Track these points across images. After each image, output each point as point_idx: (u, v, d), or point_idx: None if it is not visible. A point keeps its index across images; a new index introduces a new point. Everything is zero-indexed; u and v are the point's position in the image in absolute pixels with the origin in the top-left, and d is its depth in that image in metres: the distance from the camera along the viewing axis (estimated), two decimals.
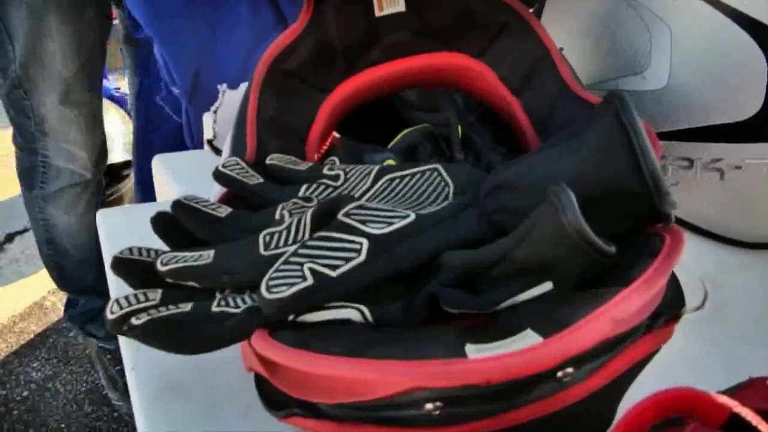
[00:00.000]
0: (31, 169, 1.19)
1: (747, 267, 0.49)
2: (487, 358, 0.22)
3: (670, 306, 0.32)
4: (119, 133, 1.81)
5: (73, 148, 1.18)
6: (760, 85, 0.43)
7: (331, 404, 0.31)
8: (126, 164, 1.80)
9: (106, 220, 0.52)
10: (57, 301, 1.56)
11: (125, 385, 1.32)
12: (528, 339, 0.23)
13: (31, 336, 1.49)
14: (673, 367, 0.35)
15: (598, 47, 0.51)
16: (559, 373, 0.27)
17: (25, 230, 1.77)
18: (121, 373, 1.32)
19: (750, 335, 0.44)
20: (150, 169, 1.16)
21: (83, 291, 1.30)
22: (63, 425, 1.29)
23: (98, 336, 1.34)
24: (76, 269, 1.27)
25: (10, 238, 1.79)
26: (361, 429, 0.31)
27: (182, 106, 1.08)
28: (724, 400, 0.22)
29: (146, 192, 1.25)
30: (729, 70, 0.44)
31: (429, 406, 0.28)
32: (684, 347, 0.40)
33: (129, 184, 1.80)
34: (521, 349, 0.22)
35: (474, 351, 0.23)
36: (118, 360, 1.32)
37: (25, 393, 1.36)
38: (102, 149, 1.25)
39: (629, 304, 0.24)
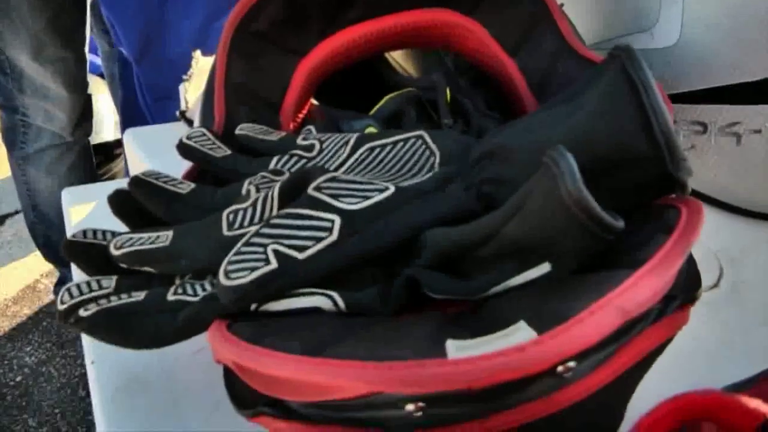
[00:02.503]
0: (12, 128, 1.16)
1: (766, 241, 0.45)
2: (468, 359, 0.18)
3: (685, 287, 0.28)
4: (111, 111, 1.76)
5: (51, 107, 1.15)
6: None
7: (302, 403, 0.28)
8: (118, 143, 1.76)
9: (71, 198, 0.48)
10: (50, 284, 1.53)
11: None
12: (520, 334, 0.19)
13: (24, 320, 1.47)
14: (685, 355, 0.32)
15: (601, 2, 0.47)
16: (559, 368, 0.24)
17: (16, 212, 1.74)
18: None
19: None
20: None
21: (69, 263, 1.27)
22: (57, 410, 1.27)
23: None
24: (61, 239, 1.24)
25: (0, 221, 1.76)
26: (334, 431, 0.27)
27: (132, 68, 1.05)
28: (757, 404, 0.18)
29: None
30: (746, 24, 0.39)
31: (410, 407, 0.24)
32: (697, 331, 0.36)
33: (121, 164, 1.76)
34: (510, 347, 0.18)
35: (455, 349, 0.19)
36: None
37: (19, 378, 1.33)
38: (84, 113, 1.21)
39: (640, 290, 0.20)
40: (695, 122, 0.43)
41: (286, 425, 0.29)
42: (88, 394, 1.30)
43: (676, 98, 0.44)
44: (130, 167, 0.62)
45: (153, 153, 0.55)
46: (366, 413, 0.26)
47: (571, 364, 0.24)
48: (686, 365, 0.34)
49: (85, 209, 0.47)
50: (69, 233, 0.49)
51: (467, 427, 0.25)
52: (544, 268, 0.24)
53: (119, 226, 0.35)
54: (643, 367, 0.27)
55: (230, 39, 0.38)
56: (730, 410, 0.18)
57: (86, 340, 0.39)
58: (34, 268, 1.58)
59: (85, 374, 1.34)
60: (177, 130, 0.56)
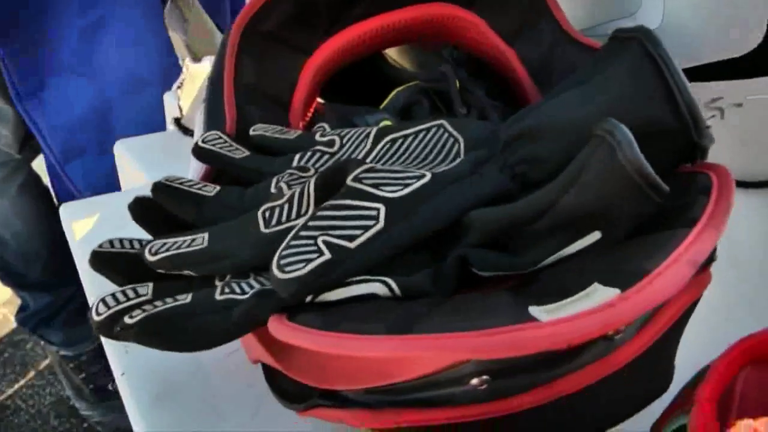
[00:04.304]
0: None
1: (754, 207, 0.48)
2: (566, 318, 0.19)
3: None
4: None
5: None
6: (760, 16, 0.41)
7: (359, 390, 0.28)
8: None
9: (69, 213, 0.47)
10: (9, 313, 1.47)
11: (92, 393, 1.25)
12: (601, 294, 0.21)
13: None
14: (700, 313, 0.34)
15: None
16: (610, 331, 0.25)
17: None
18: (87, 381, 1.25)
19: (765, 274, 0.43)
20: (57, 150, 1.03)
21: (30, 286, 1.23)
22: None
23: (54, 341, 1.27)
24: (19, 261, 1.19)
25: None
26: (395, 414, 0.28)
27: None
28: None
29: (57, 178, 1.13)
30: (726, 3, 0.42)
31: (474, 381, 0.25)
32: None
33: None
34: (602, 304, 0.20)
35: (543, 313, 0.20)
36: (81, 367, 1.25)
37: None
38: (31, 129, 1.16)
39: (704, 243, 0.22)
40: None
41: (345, 413, 0.29)
42: (60, 423, 1.26)
43: None
44: (122, 179, 0.60)
45: (145, 162, 0.54)
46: (427, 393, 0.27)
47: (621, 326, 0.25)
48: (699, 323, 0.36)
49: (87, 223, 0.46)
50: (73, 248, 0.48)
51: (528, 396, 0.26)
52: (595, 236, 0.26)
53: (127, 235, 0.34)
54: (681, 325, 0.29)
55: (238, 41, 0.39)
56: None
57: (112, 351, 0.38)
58: None
59: (55, 402, 1.29)
60: (167, 139, 0.56)
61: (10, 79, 0.97)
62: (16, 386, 1.33)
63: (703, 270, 0.30)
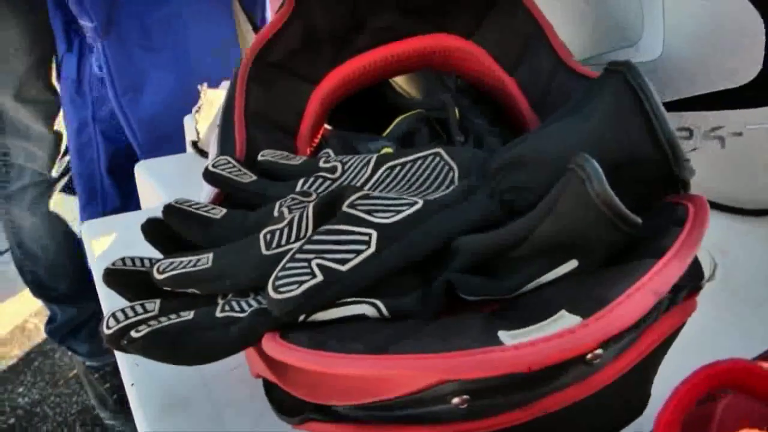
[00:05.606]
0: None
1: (753, 234, 0.48)
2: (526, 343, 0.21)
3: (691, 277, 0.31)
4: None
5: (33, 146, 1.14)
6: (758, 47, 0.42)
7: (350, 406, 0.30)
8: None
9: (90, 231, 0.50)
10: (39, 323, 1.52)
11: (115, 403, 1.29)
12: (565, 320, 0.22)
13: (15, 361, 1.45)
14: (691, 339, 0.34)
15: (587, 20, 0.50)
16: (589, 356, 0.26)
17: (0, 253, 1.72)
18: (111, 391, 1.28)
19: (764, 300, 0.43)
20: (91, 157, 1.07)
21: (57, 299, 1.27)
22: None
23: (80, 352, 1.31)
24: (47, 275, 1.24)
25: None
26: (382, 429, 0.29)
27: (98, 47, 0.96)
28: None
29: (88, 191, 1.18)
30: (725, 34, 0.43)
31: (456, 400, 0.26)
32: (698, 318, 0.39)
33: None
34: (562, 330, 0.21)
35: (509, 338, 0.22)
36: (106, 378, 1.29)
37: (12, 420, 1.32)
38: (64, 150, 1.21)
39: (668, 274, 0.23)
40: (681, 129, 0.47)
41: (335, 428, 0.31)
42: (85, 431, 1.29)
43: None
44: (142, 198, 0.63)
45: (166, 183, 0.56)
46: (413, 410, 0.28)
47: (599, 351, 0.26)
48: (694, 347, 0.36)
49: (106, 241, 0.48)
50: (92, 265, 0.50)
51: (508, 416, 0.27)
52: (572, 264, 0.27)
53: (144, 253, 0.36)
54: (661, 351, 0.30)
55: (248, 70, 0.41)
56: (755, 377, 0.21)
57: (124, 363, 0.40)
58: (22, 309, 1.57)
59: (81, 411, 1.33)
60: (186, 161, 0.58)
61: (110, 78, 1.00)
62: (45, 394, 1.37)
63: (689, 296, 0.31)
